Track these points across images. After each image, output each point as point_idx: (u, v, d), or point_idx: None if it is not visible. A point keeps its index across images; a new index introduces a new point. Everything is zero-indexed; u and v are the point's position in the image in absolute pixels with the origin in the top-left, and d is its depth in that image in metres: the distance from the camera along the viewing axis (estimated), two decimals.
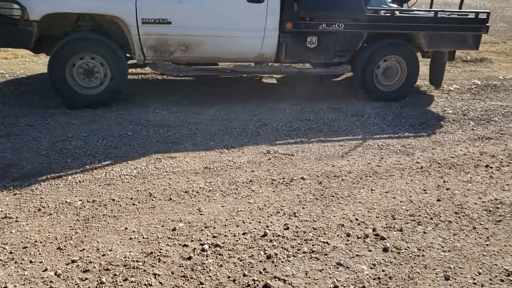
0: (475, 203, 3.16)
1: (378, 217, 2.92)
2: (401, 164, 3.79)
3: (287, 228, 2.73)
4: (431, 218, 2.94)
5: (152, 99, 5.09)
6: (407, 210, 3.03)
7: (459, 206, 3.11)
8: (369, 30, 5.22)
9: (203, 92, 5.60)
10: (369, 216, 2.92)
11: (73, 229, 2.61)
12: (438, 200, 3.18)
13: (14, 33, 4.32)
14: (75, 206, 2.85)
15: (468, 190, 3.36)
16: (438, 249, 2.60)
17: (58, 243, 2.47)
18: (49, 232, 2.57)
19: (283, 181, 3.36)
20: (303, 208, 2.98)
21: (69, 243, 2.48)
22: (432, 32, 5.40)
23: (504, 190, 3.39)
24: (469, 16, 5.64)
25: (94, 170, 3.36)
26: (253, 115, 4.81)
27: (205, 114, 4.73)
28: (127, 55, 4.85)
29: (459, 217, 2.97)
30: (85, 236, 2.54)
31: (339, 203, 3.08)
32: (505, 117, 5.19)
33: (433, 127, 4.77)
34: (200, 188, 3.18)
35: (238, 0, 4.77)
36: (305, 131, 4.46)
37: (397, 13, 5.41)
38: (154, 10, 4.54)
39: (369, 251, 2.55)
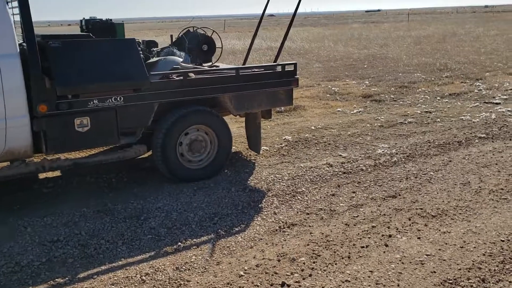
0: None
1: None
2: None
3: None
4: None
5: None
6: None
7: None
8: (160, 100, 4.12)
9: None
10: None
11: None
12: None
13: None
14: None
15: None
16: None
17: None
18: None
19: None
20: None
21: None
22: (237, 93, 4.52)
23: None
24: (276, 70, 4.89)
25: None
26: None
27: None
28: None
29: None
30: None
31: None
32: (312, 183, 4.41)
33: (226, 219, 3.71)
34: None
35: None
36: (37, 269, 3.00)
37: (192, 75, 4.40)
38: None
39: None
